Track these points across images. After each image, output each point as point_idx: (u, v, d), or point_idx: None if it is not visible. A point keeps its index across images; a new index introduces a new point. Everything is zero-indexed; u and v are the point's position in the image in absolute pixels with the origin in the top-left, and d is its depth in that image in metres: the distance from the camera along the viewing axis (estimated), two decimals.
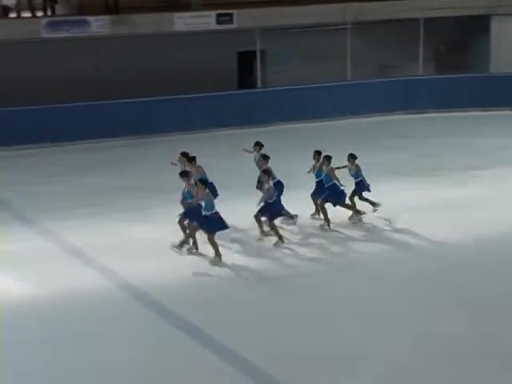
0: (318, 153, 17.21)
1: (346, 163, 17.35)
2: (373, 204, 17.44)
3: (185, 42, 27.68)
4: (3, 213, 18.50)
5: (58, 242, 16.41)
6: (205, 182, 15.40)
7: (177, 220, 15.62)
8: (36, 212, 18.33)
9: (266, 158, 16.93)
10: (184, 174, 15.78)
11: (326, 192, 16.80)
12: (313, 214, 17.42)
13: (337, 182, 16.78)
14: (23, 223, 17.68)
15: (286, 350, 11.64)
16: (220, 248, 15.01)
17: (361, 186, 17.33)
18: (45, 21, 26.70)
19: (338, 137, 25.70)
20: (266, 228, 16.23)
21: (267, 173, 16.07)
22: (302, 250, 15.71)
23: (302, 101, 27.98)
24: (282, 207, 16.33)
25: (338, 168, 17.10)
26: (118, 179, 21.02)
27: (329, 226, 16.78)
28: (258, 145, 17.63)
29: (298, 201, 17.24)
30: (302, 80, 28.24)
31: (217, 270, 14.77)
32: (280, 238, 15.90)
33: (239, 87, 29.04)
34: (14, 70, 25.74)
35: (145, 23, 26.98)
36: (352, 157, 17.37)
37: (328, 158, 16.92)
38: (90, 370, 11.26)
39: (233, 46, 28.37)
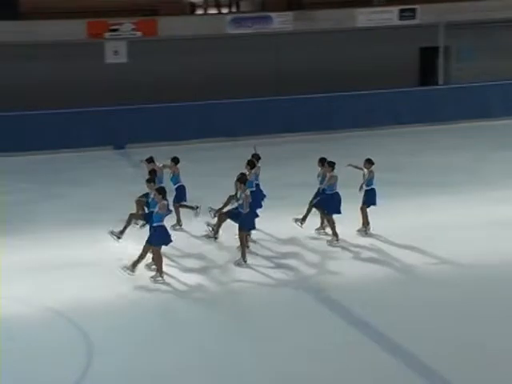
0: (321, 159, 15.96)
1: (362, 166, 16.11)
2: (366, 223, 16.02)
3: (366, 38, 27.47)
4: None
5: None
6: (162, 191, 14.07)
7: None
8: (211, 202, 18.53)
9: (250, 163, 15.88)
10: (150, 180, 14.63)
11: (322, 196, 15.64)
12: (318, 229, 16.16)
13: (338, 191, 15.62)
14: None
15: (456, 348, 11.52)
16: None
17: (370, 196, 15.93)
18: (230, 17, 27.35)
19: None
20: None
21: (242, 181, 14.77)
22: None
23: (486, 98, 27.05)
24: (253, 222, 14.92)
25: (354, 167, 16.02)
26: (298, 173, 20.86)
27: (337, 240, 15.60)
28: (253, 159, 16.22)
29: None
30: (487, 77, 27.31)
31: (381, 272, 14.60)
32: (243, 255, 14.69)
33: (420, 84, 28.47)
34: (198, 65, 26.53)
35: (327, 19, 27.05)
36: (368, 162, 16.03)
37: (331, 165, 15.68)
38: (262, 362, 11.51)
39: (415, 41, 27.88)
